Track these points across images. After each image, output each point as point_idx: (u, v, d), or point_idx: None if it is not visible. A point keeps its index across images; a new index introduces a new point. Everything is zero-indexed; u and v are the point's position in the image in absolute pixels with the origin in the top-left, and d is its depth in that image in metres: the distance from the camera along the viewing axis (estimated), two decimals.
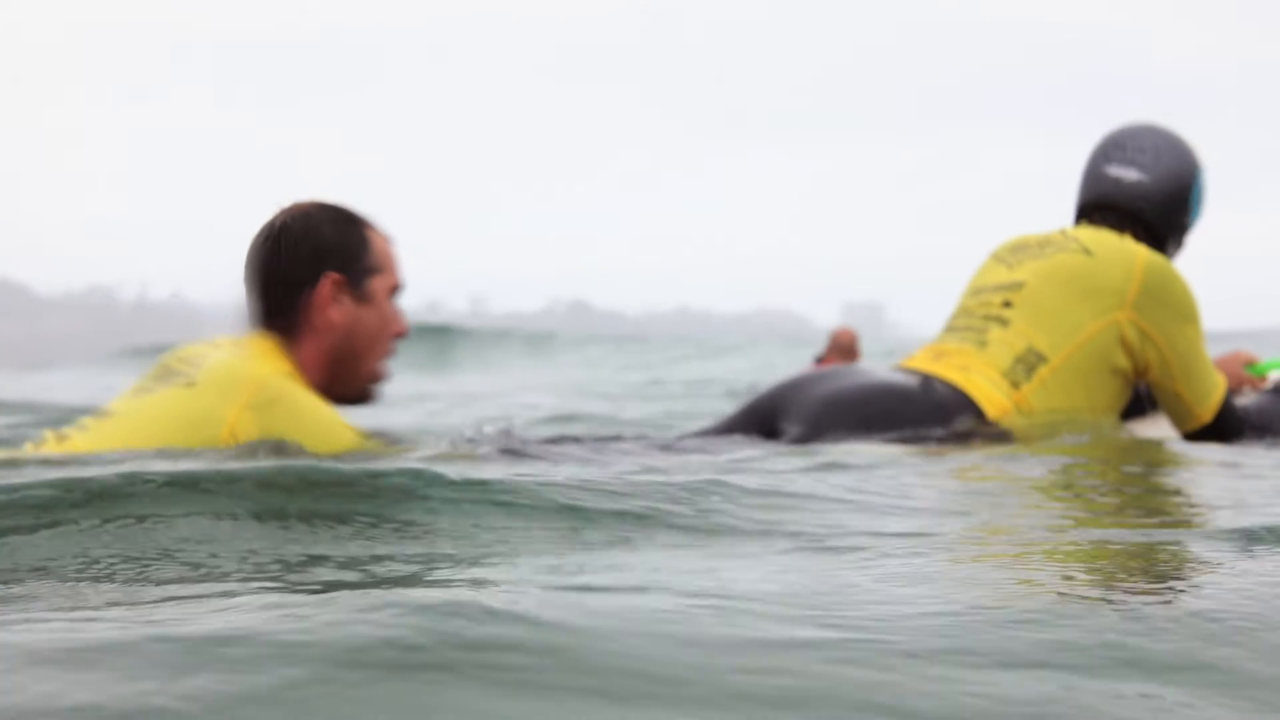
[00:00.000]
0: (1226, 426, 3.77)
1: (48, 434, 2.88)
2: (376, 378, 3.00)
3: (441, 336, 34.38)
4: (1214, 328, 4.13)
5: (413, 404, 9.26)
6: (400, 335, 2.99)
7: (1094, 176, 3.91)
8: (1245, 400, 3.99)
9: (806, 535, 2.00)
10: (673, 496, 2.23)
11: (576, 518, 2.07)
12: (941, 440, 3.43)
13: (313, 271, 2.87)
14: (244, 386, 2.73)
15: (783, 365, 24.70)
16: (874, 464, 2.91)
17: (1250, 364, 4.32)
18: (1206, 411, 3.75)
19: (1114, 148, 3.90)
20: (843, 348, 11.25)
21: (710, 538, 2.00)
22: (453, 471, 2.21)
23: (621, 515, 2.09)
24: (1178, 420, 3.79)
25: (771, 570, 1.70)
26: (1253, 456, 3.37)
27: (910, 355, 3.88)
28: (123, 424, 2.77)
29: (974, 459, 3.13)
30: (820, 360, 11.16)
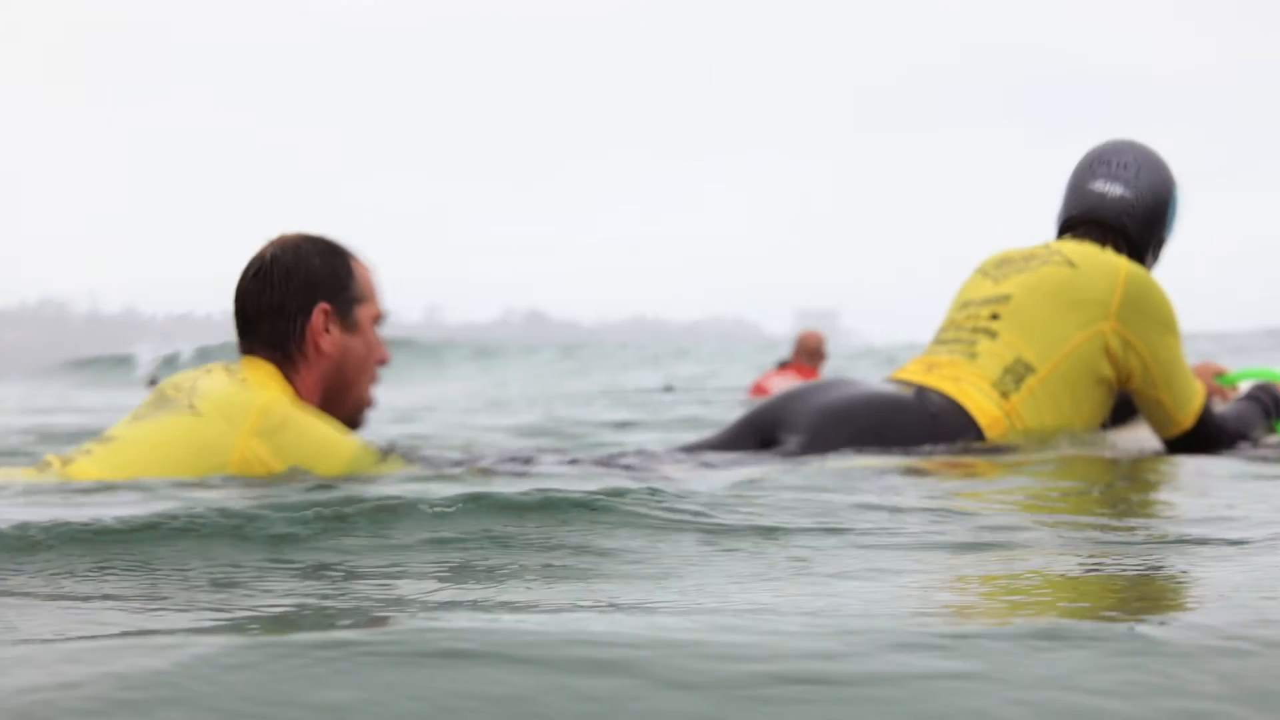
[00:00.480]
0: (1206, 432, 3.87)
1: (50, 458, 2.91)
2: (365, 403, 3.08)
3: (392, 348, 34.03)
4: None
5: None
6: (383, 362, 3.09)
7: (1079, 191, 4.01)
8: (1221, 408, 4.08)
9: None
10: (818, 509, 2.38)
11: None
12: (943, 457, 3.51)
13: (305, 302, 2.96)
14: (250, 413, 2.80)
15: (738, 372, 24.79)
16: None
17: (1220, 374, 4.42)
18: (1187, 418, 3.85)
19: (1099, 163, 4.00)
20: (810, 350, 11.26)
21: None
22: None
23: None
24: (1159, 427, 3.89)
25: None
26: (1239, 464, 3.53)
27: (901, 368, 3.97)
28: (129, 450, 2.83)
29: (972, 476, 3.21)
30: (784, 365, 11.20)
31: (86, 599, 1.65)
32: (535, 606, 1.59)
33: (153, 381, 27.18)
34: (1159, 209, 3.97)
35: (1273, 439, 4.04)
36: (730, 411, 8.97)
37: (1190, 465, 3.56)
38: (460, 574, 1.82)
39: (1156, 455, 3.82)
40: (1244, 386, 4.31)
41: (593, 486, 2.40)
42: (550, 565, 1.89)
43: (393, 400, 9.99)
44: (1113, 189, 3.95)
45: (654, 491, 2.36)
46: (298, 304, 2.96)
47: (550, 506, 2.20)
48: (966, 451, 3.58)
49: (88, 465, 2.82)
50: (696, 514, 2.25)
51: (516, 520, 2.15)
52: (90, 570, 1.81)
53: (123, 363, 38.65)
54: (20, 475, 2.84)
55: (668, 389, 23.92)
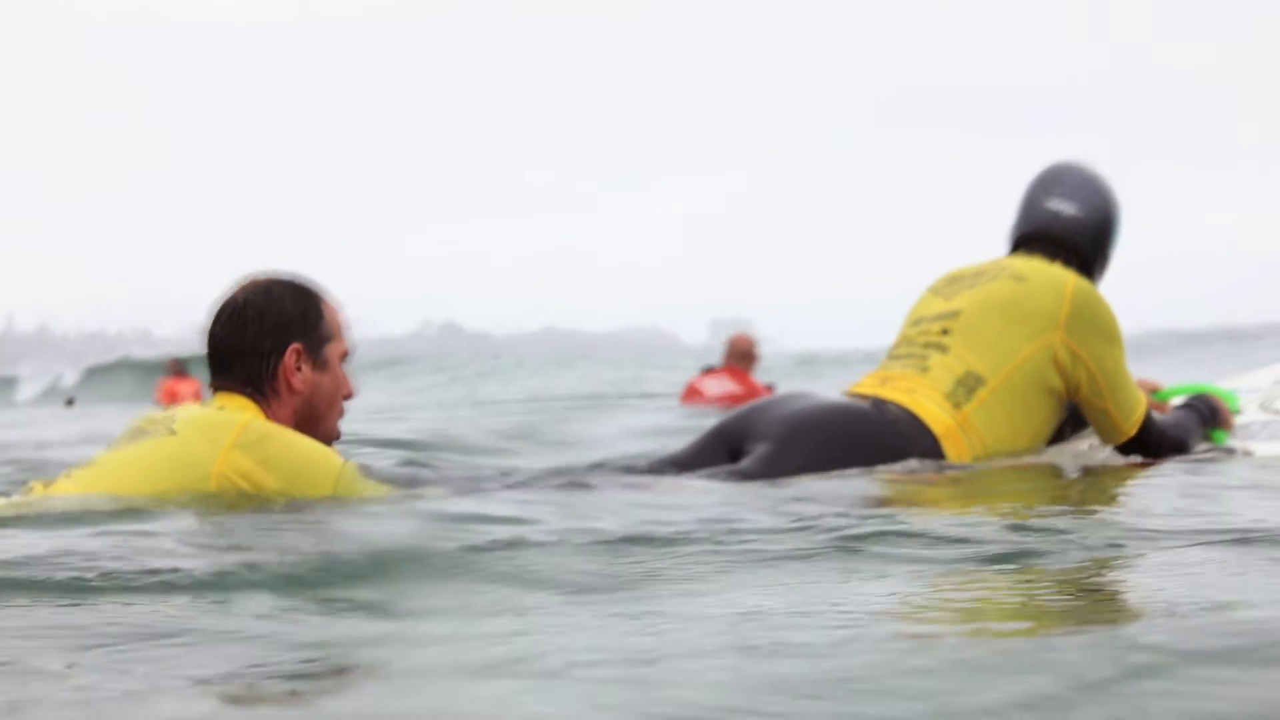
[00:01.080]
0: (1149, 439, 4.03)
1: (35, 484, 3.02)
2: (333, 436, 3.16)
3: None
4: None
5: None
6: (349, 396, 3.18)
7: (1033, 209, 4.19)
8: (1160, 418, 4.21)
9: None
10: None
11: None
12: (902, 474, 3.66)
13: (278, 342, 3.04)
14: (230, 429, 2.89)
15: (654, 380, 25.11)
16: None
17: (1155, 390, 4.55)
18: (1132, 426, 4.00)
19: (1052, 183, 4.19)
20: (741, 353, 11.38)
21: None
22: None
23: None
24: (1105, 435, 4.04)
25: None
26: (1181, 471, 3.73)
27: (856, 382, 4.10)
28: (109, 471, 2.91)
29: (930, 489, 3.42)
30: (708, 371, 11.28)
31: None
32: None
33: (69, 401, 26.73)
34: (1107, 227, 4.18)
35: (1206, 446, 4.25)
36: (659, 417, 8.92)
37: (1135, 473, 3.79)
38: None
39: (1103, 465, 3.99)
40: (1176, 401, 4.47)
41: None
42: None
43: None
44: (1067, 208, 4.13)
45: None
46: (271, 344, 3.05)
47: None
48: (922, 470, 3.72)
49: (68, 486, 2.92)
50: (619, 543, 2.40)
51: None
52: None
53: (7, 384, 38.15)
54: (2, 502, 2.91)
55: (69, 403, 24.23)
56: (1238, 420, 4.42)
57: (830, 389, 4.17)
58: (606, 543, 2.40)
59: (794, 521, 2.66)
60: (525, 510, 2.84)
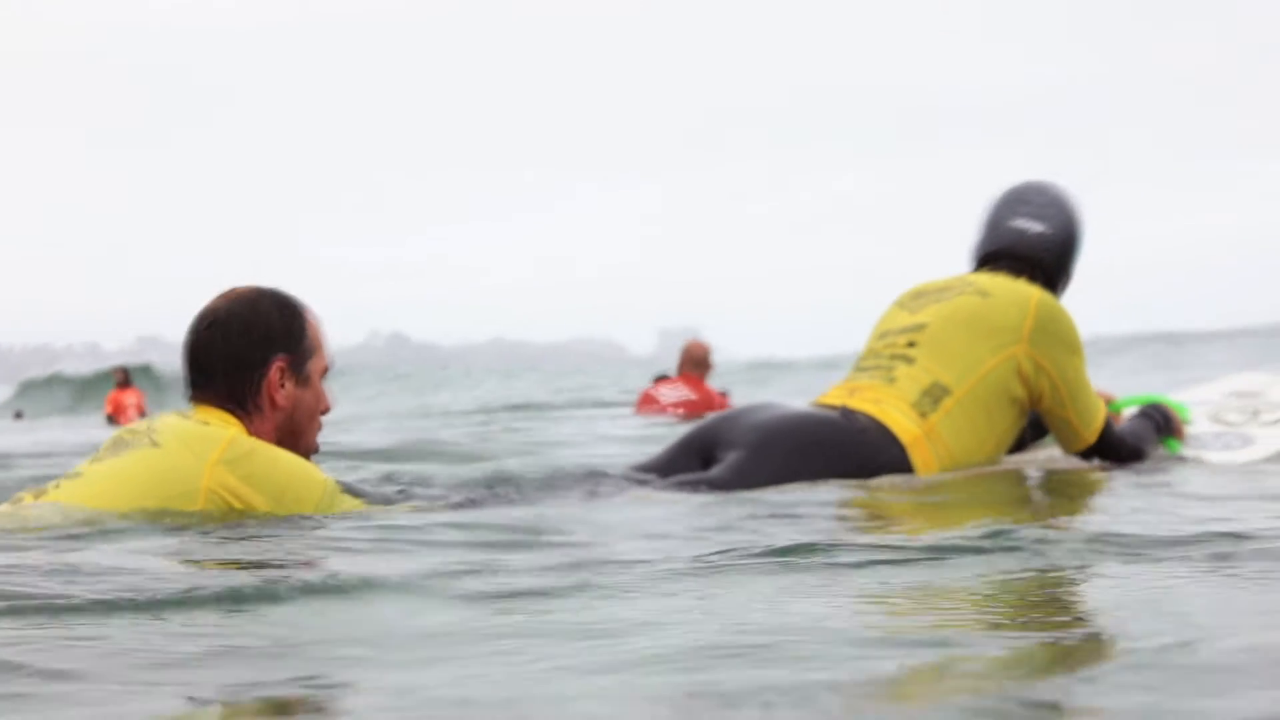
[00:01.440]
0: (1108, 446, 4.15)
1: (25, 495, 2.97)
2: (311, 450, 3.14)
3: None
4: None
5: None
6: (325, 411, 3.16)
7: (999, 227, 4.28)
8: (1118, 426, 4.32)
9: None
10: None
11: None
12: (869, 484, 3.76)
13: (263, 356, 3.01)
14: (217, 444, 2.87)
15: (605, 389, 25.07)
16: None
17: (1110, 402, 4.66)
18: (1093, 434, 4.12)
19: (1018, 203, 4.28)
20: (696, 360, 11.37)
21: None
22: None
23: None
24: (1066, 443, 4.16)
25: None
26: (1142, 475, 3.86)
27: (824, 393, 4.18)
28: (95, 483, 2.88)
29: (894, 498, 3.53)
30: (661, 379, 11.25)
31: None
32: None
33: (18, 415, 26.39)
34: (1072, 245, 4.28)
35: (1162, 452, 4.41)
36: (613, 426, 8.91)
37: (1093, 479, 3.90)
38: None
39: (1066, 472, 4.11)
40: (1128, 413, 4.59)
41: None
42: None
43: None
44: (1033, 226, 4.22)
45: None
46: (256, 358, 3.02)
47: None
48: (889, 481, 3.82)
49: (58, 497, 2.89)
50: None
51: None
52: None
53: None
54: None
55: (17, 415, 24.36)
56: (1189, 431, 4.57)
57: (781, 396, 4.54)
58: (576, 561, 2.41)
59: (745, 535, 2.72)
60: (497, 524, 2.85)
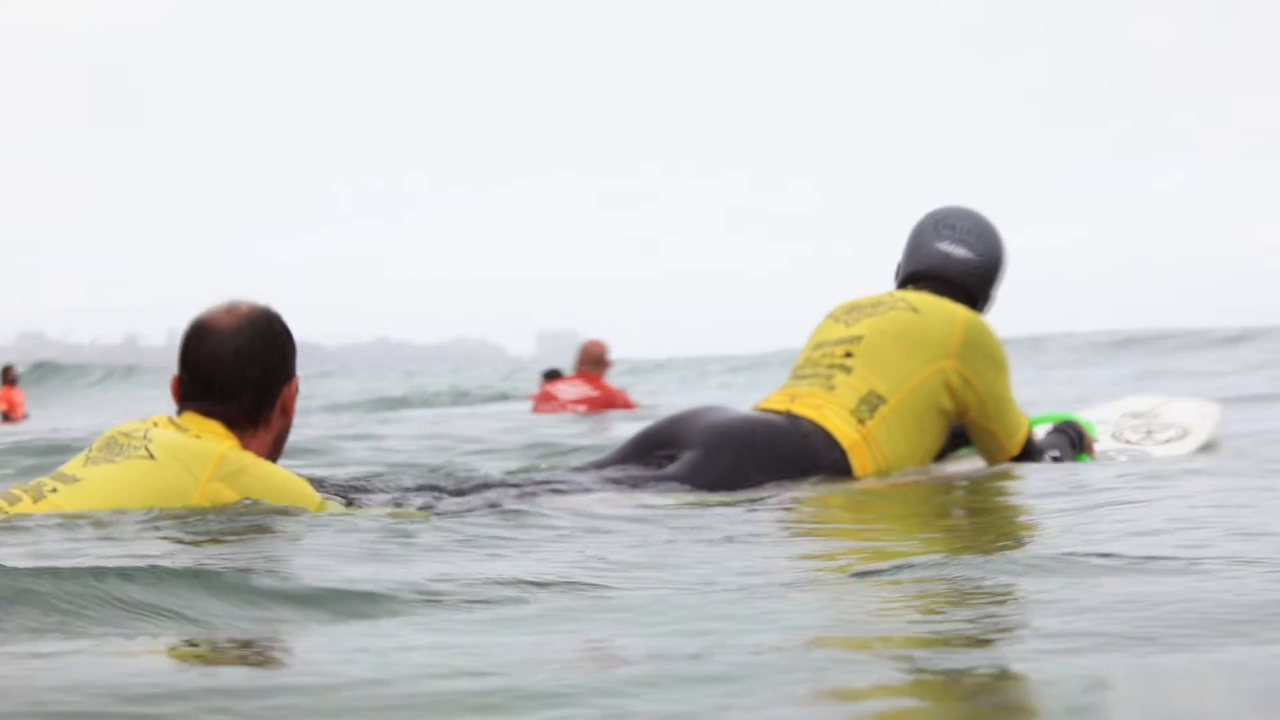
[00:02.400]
0: (1029, 457, 4.34)
1: (18, 491, 2.99)
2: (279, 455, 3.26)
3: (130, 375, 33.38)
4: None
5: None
6: None
7: (924, 249, 4.43)
8: (1037, 439, 4.52)
9: None
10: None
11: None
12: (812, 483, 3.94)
13: (286, 373, 3.14)
14: (210, 460, 2.93)
15: (492, 388, 25.08)
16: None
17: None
18: (1016, 446, 4.29)
19: (944, 227, 4.42)
20: (594, 359, 11.41)
21: None
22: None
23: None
24: (990, 454, 4.33)
25: None
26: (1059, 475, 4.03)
27: (765, 399, 4.34)
28: (93, 490, 2.91)
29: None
30: (551, 376, 11.25)
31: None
32: None
33: None
34: (995, 270, 4.44)
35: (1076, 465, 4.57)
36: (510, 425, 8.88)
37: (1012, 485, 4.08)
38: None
39: (991, 475, 4.27)
40: (1038, 429, 4.72)
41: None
42: None
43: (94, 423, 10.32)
44: (957, 251, 4.37)
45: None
46: (279, 377, 3.12)
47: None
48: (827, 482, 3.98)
49: (58, 503, 2.91)
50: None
51: None
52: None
53: None
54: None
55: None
56: (1097, 448, 4.76)
57: (659, 393, 4.68)
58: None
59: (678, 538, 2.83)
60: (481, 529, 2.95)
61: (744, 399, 8.28)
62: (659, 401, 14.21)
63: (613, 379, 13.55)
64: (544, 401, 11.20)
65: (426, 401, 20.62)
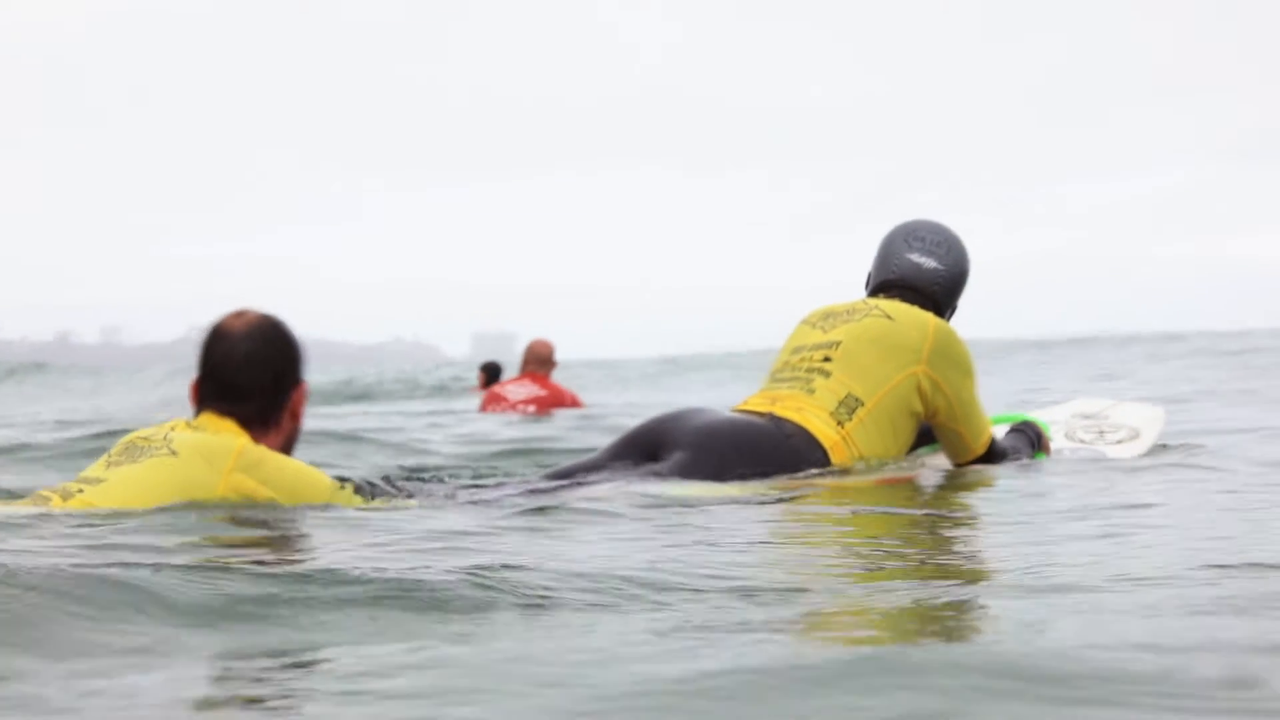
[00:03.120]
0: (992, 457, 4.51)
1: (47, 492, 3.11)
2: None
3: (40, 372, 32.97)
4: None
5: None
6: None
7: (895, 259, 4.58)
8: (998, 440, 4.67)
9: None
10: None
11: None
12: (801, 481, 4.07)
13: (295, 379, 3.29)
14: (229, 454, 3.08)
15: (429, 388, 24.98)
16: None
17: None
18: (981, 447, 4.46)
19: (914, 239, 4.58)
20: (541, 359, 11.34)
21: None
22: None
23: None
24: (955, 454, 4.49)
25: None
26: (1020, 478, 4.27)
27: (743, 401, 4.46)
28: (119, 489, 3.04)
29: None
30: (489, 370, 11.14)
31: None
32: None
33: None
34: (961, 281, 4.62)
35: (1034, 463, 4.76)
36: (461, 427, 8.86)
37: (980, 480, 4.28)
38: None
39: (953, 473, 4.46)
40: (999, 429, 4.85)
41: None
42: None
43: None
44: (927, 262, 4.53)
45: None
46: (289, 381, 3.28)
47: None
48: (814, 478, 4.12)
49: (89, 501, 3.04)
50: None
51: None
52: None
53: None
54: (26, 507, 3.04)
55: None
56: (1054, 447, 4.95)
57: (601, 391, 4.80)
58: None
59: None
60: (501, 526, 3.06)
61: (674, 400, 8.37)
62: (602, 401, 14.19)
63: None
64: (492, 402, 11.13)
65: (360, 396, 20.60)
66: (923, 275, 4.53)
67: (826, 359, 4.35)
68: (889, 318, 4.38)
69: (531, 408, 10.58)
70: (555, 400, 10.73)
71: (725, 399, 5.42)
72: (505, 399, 10.90)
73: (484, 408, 11.16)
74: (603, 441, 6.41)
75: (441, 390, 22.03)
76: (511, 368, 12.02)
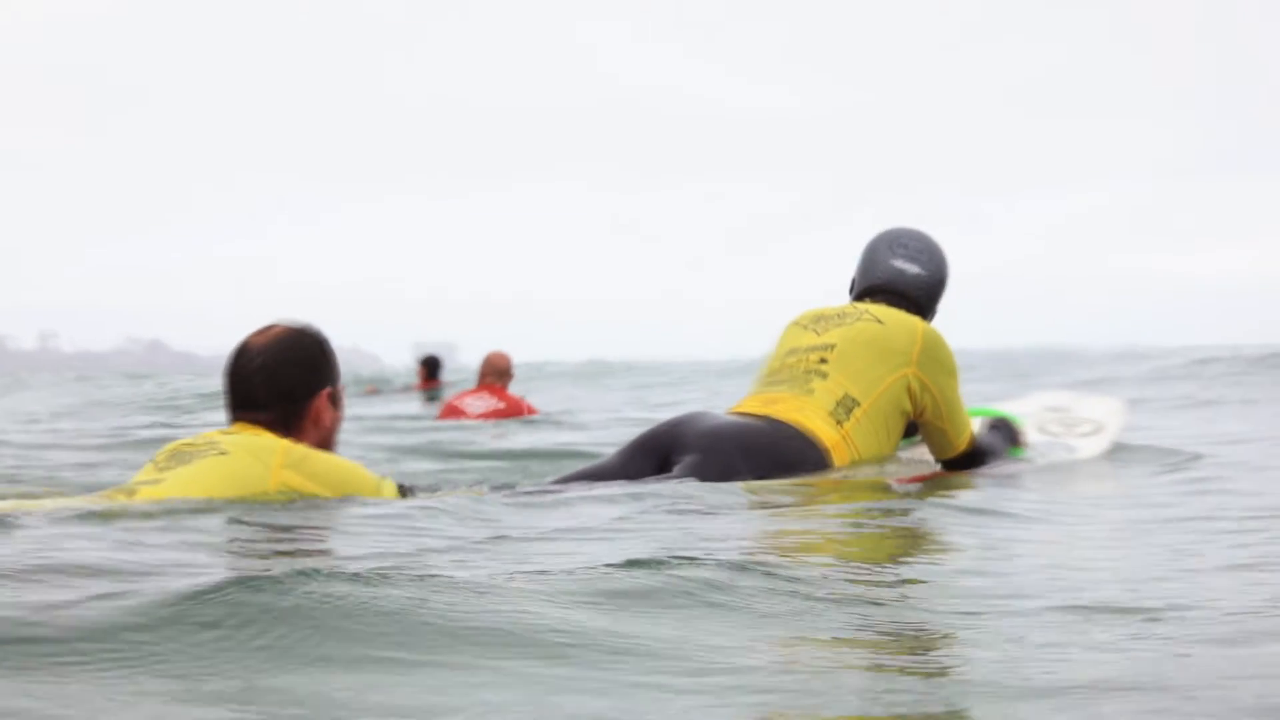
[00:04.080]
0: (974, 454, 4.68)
1: (117, 495, 3.19)
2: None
3: None
4: None
5: None
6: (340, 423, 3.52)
7: (879, 265, 4.73)
8: (978, 437, 4.83)
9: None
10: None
11: None
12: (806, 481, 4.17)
13: (313, 388, 3.38)
14: (276, 451, 3.21)
15: (370, 398, 24.77)
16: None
17: None
18: (963, 444, 4.63)
19: (897, 245, 4.74)
20: (498, 370, 11.26)
21: None
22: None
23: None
24: (939, 450, 4.65)
25: None
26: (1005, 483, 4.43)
27: (739, 403, 4.57)
28: (177, 487, 3.15)
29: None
30: (428, 364, 11.04)
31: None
32: None
33: None
34: (942, 286, 4.78)
35: (1010, 460, 4.97)
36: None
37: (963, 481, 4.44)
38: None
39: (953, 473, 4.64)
40: (974, 423, 5.02)
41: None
42: None
43: None
44: (911, 268, 4.69)
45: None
46: (303, 390, 3.37)
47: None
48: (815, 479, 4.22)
49: (153, 495, 3.15)
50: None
51: None
52: None
53: None
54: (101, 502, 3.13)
55: None
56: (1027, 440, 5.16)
57: (544, 398, 4.93)
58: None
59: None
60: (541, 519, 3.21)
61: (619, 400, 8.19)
62: (551, 407, 14.15)
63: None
64: (450, 415, 11.02)
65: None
66: (906, 280, 4.69)
67: (823, 360, 4.48)
68: (879, 322, 4.52)
69: (491, 421, 10.51)
70: (514, 412, 10.68)
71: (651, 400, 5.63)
72: (464, 412, 10.80)
73: (442, 418, 11.06)
74: (575, 441, 6.77)
75: (380, 391, 21.80)
76: (452, 374, 11.88)
